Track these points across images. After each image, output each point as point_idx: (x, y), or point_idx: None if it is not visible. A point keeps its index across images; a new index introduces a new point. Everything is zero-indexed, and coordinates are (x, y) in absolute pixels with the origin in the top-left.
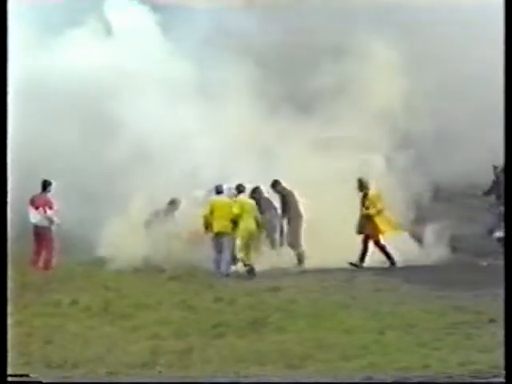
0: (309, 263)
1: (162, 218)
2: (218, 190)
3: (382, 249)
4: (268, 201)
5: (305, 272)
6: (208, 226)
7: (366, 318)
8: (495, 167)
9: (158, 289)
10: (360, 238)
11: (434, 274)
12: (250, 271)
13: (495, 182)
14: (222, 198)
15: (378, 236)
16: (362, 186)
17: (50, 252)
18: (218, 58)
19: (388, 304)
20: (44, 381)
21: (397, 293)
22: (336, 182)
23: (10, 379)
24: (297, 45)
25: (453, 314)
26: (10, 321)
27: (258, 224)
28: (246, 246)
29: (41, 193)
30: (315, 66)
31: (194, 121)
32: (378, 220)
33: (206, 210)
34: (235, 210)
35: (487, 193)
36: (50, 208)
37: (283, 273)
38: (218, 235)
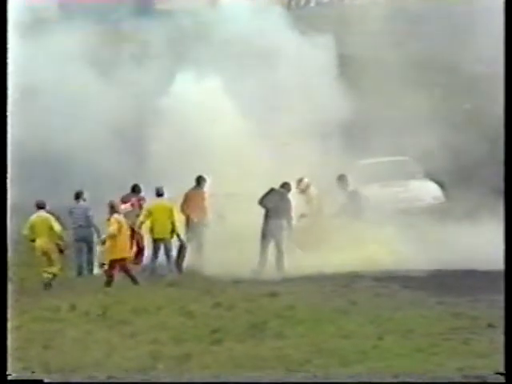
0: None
1: None
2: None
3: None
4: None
5: (303, 278)
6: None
7: (364, 324)
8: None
9: (156, 294)
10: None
11: (432, 279)
12: (47, 284)
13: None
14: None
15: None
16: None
17: None
18: None
19: (386, 310)
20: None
21: (395, 298)
22: None
23: (10, 378)
24: None
25: (451, 320)
26: (9, 326)
27: (58, 238)
28: (42, 260)
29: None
30: None
31: None
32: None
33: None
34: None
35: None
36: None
37: (282, 278)
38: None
